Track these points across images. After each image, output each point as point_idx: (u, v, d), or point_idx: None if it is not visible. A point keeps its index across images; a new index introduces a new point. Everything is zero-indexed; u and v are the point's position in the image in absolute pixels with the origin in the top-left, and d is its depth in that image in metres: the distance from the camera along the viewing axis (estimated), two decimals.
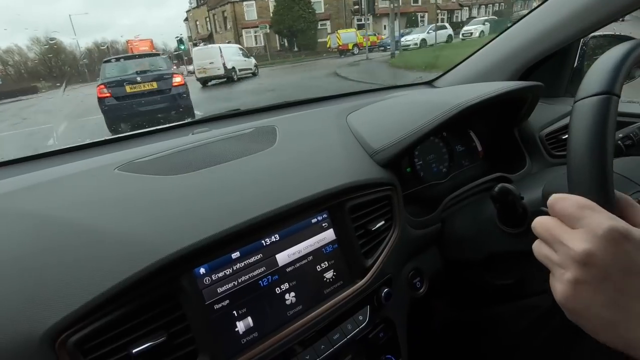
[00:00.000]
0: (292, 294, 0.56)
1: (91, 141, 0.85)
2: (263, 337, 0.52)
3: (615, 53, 0.41)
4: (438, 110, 0.74)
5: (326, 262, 0.60)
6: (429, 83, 1.32)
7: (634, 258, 0.31)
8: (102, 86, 4.21)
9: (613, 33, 1.16)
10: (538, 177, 0.74)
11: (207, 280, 0.49)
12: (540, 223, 0.38)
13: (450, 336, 1.01)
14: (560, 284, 0.35)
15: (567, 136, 0.41)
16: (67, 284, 0.42)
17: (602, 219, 0.33)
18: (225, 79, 10.56)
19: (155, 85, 4.04)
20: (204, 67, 10.23)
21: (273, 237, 0.56)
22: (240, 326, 0.51)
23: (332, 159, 0.69)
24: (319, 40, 25.05)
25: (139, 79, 4.02)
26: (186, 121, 0.99)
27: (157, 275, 0.45)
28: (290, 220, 0.58)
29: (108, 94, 4.07)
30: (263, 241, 0.55)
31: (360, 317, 0.62)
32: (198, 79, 10.39)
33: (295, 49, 25.32)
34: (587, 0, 0.88)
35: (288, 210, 0.56)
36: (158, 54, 5.17)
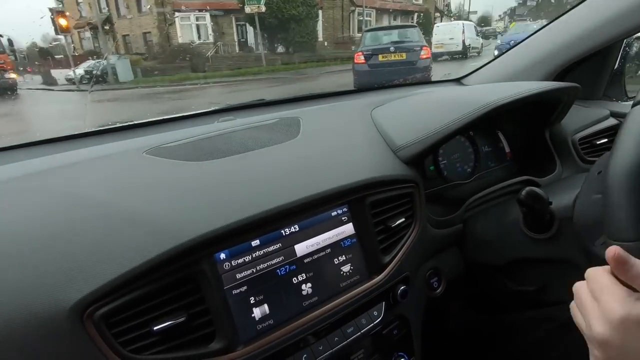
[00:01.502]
0: (309, 284, 0.56)
1: (121, 125, 0.88)
2: (278, 325, 0.53)
3: None
4: (466, 108, 0.72)
5: (344, 256, 0.60)
6: (458, 80, 1.29)
7: None
8: (360, 53, 4.59)
9: None
10: (568, 183, 0.71)
11: (226, 265, 0.50)
12: (576, 289, 0.39)
13: (465, 339, 0.99)
14: (591, 355, 0.37)
15: (602, 141, 0.39)
16: (96, 261, 0.44)
17: (616, 305, 0.33)
18: (458, 56, 10.82)
19: (404, 56, 4.26)
20: (442, 43, 10.50)
21: (293, 227, 0.57)
22: (257, 312, 0.52)
23: (355, 153, 0.69)
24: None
25: (392, 49, 4.26)
26: (212, 109, 1.01)
27: (179, 257, 0.46)
28: (311, 211, 0.58)
29: (363, 61, 4.41)
30: (283, 231, 0.56)
31: (375, 313, 0.62)
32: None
33: (278, 47, 15.09)
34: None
35: (309, 201, 0.56)
36: (415, 26, 5.33)
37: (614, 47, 1.08)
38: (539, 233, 0.64)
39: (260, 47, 15.13)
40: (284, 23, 14.21)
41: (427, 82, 1.33)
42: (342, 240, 0.61)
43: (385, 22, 21.25)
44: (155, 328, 0.44)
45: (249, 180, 0.57)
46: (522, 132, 0.97)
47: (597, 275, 0.36)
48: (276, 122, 0.79)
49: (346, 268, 0.60)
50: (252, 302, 0.52)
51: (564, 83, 0.82)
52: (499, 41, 11.57)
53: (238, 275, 0.51)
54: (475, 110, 0.71)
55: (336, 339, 0.57)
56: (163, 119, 0.92)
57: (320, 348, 0.56)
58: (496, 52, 11.26)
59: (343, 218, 0.62)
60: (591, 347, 0.36)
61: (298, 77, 11.57)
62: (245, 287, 0.51)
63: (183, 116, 0.95)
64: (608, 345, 0.33)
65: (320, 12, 16.66)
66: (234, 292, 0.50)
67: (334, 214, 0.61)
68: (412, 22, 22.67)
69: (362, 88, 1.21)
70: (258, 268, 0.53)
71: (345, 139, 0.73)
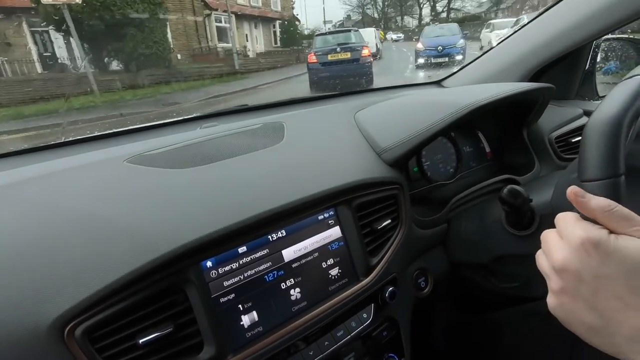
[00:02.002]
0: (297, 289, 0.56)
1: (101, 133, 0.86)
2: (268, 332, 0.52)
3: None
4: (447, 110, 0.74)
5: (332, 259, 0.60)
6: (438, 83, 1.31)
7: (603, 264, 0.33)
8: (312, 54, 5.50)
9: (627, 36, 1.15)
10: (547, 180, 0.73)
11: (213, 273, 0.50)
12: (544, 234, 0.40)
13: (453, 337, 1.01)
14: (549, 293, 0.38)
15: (577, 139, 0.41)
16: (77, 273, 0.42)
17: (576, 230, 0.34)
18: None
19: (349, 55, 5.12)
20: None
21: (279, 232, 0.56)
22: (246, 320, 0.51)
23: (340, 157, 0.69)
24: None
25: (338, 49, 5.14)
26: (194, 115, 0.99)
27: (165, 267, 0.45)
28: (297, 216, 0.58)
29: (316, 60, 5.29)
30: (269, 236, 0.55)
31: (365, 315, 0.62)
32: None
33: (110, 63, 10.36)
34: (601, 2, 0.87)
35: (295, 206, 0.56)
36: (356, 29, 6.30)
37: (584, 49, 1.13)
38: (520, 230, 0.65)
39: (85, 63, 9.33)
40: (116, 27, 9.19)
41: (409, 84, 1.35)
42: (329, 243, 0.61)
43: (246, 30, 18.69)
44: (141, 341, 0.43)
45: (234, 186, 0.57)
46: (501, 132, 1.00)
47: (564, 215, 0.37)
48: (260, 127, 0.78)
49: (334, 271, 0.60)
50: (240, 309, 0.51)
51: (539, 84, 0.85)
52: (420, 45, 11.20)
53: (225, 283, 0.50)
54: (455, 112, 0.73)
55: (326, 343, 0.57)
56: (144, 127, 0.91)
57: (311, 353, 0.56)
58: (421, 60, 10.75)
59: (330, 221, 0.62)
60: (549, 283, 0.37)
61: (167, 111, 6.96)
62: (233, 295, 0.51)
63: (164, 123, 0.93)
64: (565, 271, 0.34)
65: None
66: (222, 300, 0.50)
67: (320, 217, 0.61)
68: (274, 29, 21.30)
69: (344, 92, 1.22)
70: (245, 275, 0.52)
71: (330, 142, 0.74)
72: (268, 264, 0.54)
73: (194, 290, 0.48)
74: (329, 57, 5.49)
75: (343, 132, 0.78)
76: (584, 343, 0.37)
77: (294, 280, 0.56)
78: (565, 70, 1.14)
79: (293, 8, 24.56)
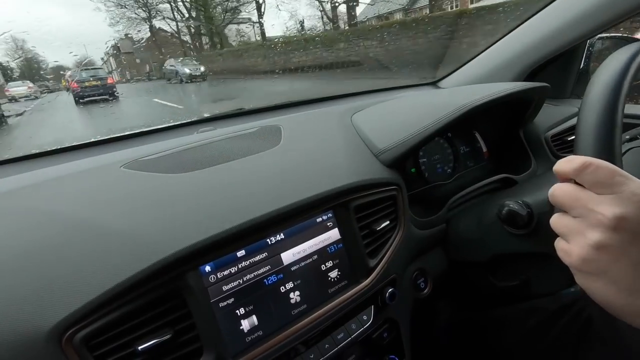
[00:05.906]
0: (297, 293, 0.56)
1: (97, 139, 0.86)
2: (267, 336, 0.52)
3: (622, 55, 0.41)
4: (443, 110, 0.74)
5: (331, 262, 0.60)
6: (434, 84, 1.32)
7: None
8: (74, 83, 7.33)
9: (620, 35, 1.15)
10: (543, 179, 0.73)
11: (212, 278, 0.49)
12: (561, 189, 0.36)
13: (455, 337, 1.00)
14: (578, 248, 0.34)
15: (573, 137, 0.41)
16: (74, 281, 0.42)
17: (637, 185, 0.32)
18: None
19: (99, 82, 7.27)
20: None
21: (278, 235, 0.56)
22: (245, 324, 0.51)
23: (337, 159, 0.69)
24: None
25: (91, 79, 7.26)
26: (191, 120, 0.99)
27: (163, 272, 0.45)
28: (295, 219, 0.58)
29: (77, 86, 7.27)
30: (268, 240, 0.55)
31: (365, 317, 0.62)
32: None
33: None
34: (594, 1, 0.88)
35: (293, 209, 0.56)
36: (101, 68, 8.74)
37: (579, 48, 1.13)
38: (519, 228, 0.66)
39: None
40: None
41: (405, 86, 1.35)
42: (328, 246, 0.61)
43: None
44: (139, 348, 0.42)
45: (231, 190, 0.56)
46: (497, 132, 1.00)
47: (601, 170, 0.33)
48: (257, 131, 0.78)
49: (333, 274, 0.60)
50: (239, 314, 0.51)
51: (534, 83, 0.85)
52: None
53: (224, 288, 0.50)
54: (452, 112, 0.73)
55: (327, 346, 0.57)
56: (140, 132, 0.90)
57: (312, 356, 0.55)
58: None
59: (328, 224, 0.62)
60: (586, 235, 0.33)
61: None
62: (232, 299, 0.50)
63: (161, 128, 0.93)
64: (623, 223, 0.31)
65: None
66: (221, 304, 0.49)
67: (319, 220, 0.61)
68: None
69: (338, 95, 1.22)
70: (245, 279, 0.52)
71: (327, 144, 0.73)
72: (267, 268, 0.54)
73: (193, 296, 0.47)
74: (87, 84, 7.42)
75: (340, 134, 0.78)
76: (591, 340, 0.37)
77: (294, 283, 0.56)
78: (560, 69, 1.15)
79: None
